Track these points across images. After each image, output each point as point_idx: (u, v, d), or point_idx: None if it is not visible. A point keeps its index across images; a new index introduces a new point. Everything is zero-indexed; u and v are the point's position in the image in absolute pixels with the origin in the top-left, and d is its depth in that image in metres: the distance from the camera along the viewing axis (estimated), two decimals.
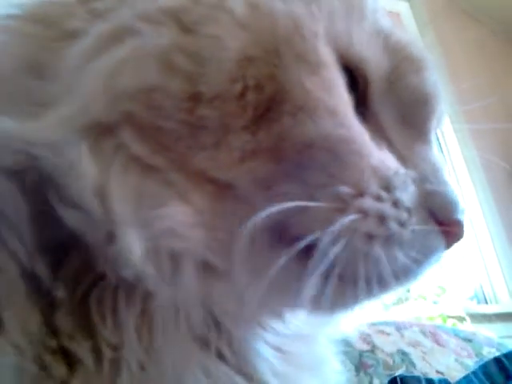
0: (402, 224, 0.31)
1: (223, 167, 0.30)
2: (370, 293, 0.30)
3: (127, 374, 0.29)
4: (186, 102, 0.29)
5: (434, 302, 2.28)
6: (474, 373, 0.69)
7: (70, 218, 0.28)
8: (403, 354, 0.75)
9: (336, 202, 0.30)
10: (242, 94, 0.29)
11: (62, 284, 0.29)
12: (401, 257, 0.31)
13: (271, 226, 0.29)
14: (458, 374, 0.72)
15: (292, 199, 0.29)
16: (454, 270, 2.17)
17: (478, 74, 2.84)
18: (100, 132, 0.28)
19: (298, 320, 0.39)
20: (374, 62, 0.34)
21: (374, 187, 0.31)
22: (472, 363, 0.76)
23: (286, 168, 0.30)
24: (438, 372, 0.73)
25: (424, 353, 0.77)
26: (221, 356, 0.33)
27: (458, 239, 0.34)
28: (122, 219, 0.28)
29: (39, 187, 0.28)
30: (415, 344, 0.79)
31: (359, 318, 0.47)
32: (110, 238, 0.28)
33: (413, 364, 0.73)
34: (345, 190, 0.30)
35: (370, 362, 0.72)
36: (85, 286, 0.30)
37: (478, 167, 2.65)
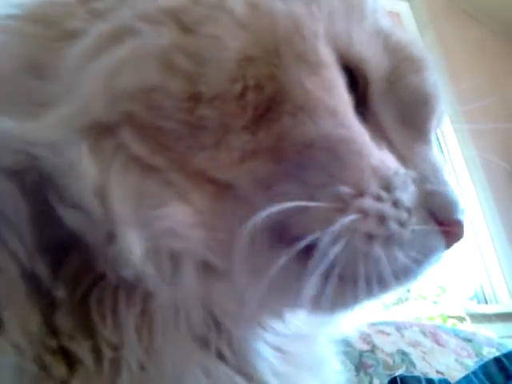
0: (402, 224, 0.31)
1: (223, 167, 0.29)
2: (370, 293, 0.30)
3: (127, 374, 0.29)
4: (186, 101, 0.29)
5: (434, 302, 2.28)
6: (473, 373, 0.69)
7: (70, 218, 0.28)
8: (403, 354, 0.75)
9: (336, 202, 0.30)
10: (242, 94, 0.29)
11: (62, 284, 0.29)
12: (401, 257, 0.31)
13: (271, 226, 0.29)
14: (457, 374, 0.72)
15: (292, 199, 0.29)
16: (453, 270, 2.17)
17: (477, 74, 2.84)
18: (100, 132, 0.28)
19: (298, 320, 0.39)
20: (374, 62, 0.34)
21: (374, 187, 0.31)
22: (472, 363, 0.76)
23: (286, 168, 0.30)
24: (437, 372, 0.73)
25: (424, 353, 0.77)
26: (221, 356, 0.33)
27: (458, 239, 0.34)
28: (122, 219, 0.28)
29: (39, 187, 0.28)
30: (415, 344, 0.79)
31: (359, 318, 0.47)
32: (110, 238, 0.28)
33: (413, 364, 0.73)
34: (345, 189, 0.30)
35: (369, 362, 0.72)
36: (85, 285, 0.30)
37: (477, 167, 2.65)
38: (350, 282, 0.30)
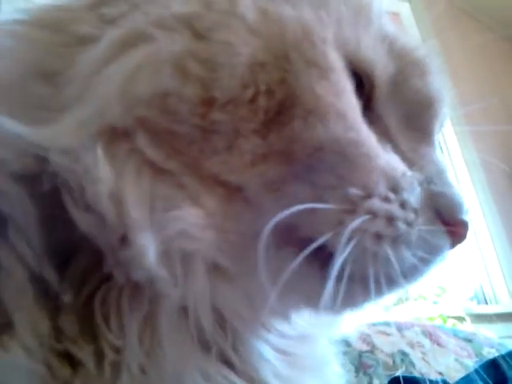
0: (409, 224, 0.32)
1: (235, 170, 0.30)
2: (379, 291, 0.31)
3: (127, 377, 0.29)
4: (200, 106, 0.29)
5: (434, 303, 2.28)
6: (473, 373, 0.70)
7: (83, 221, 0.28)
8: (403, 354, 0.75)
9: (345, 204, 0.30)
10: (254, 99, 0.30)
11: (68, 285, 0.30)
12: (408, 256, 0.31)
13: (280, 228, 0.30)
14: (457, 374, 0.72)
15: (301, 201, 0.29)
16: (454, 271, 2.17)
17: (478, 75, 2.83)
18: (113, 137, 0.29)
19: (302, 320, 0.39)
20: (380, 66, 0.35)
21: (382, 189, 0.31)
22: (472, 363, 0.76)
23: (296, 171, 0.30)
24: (437, 372, 0.73)
25: (424, 353, 0.77)
26: (224, 359, 0.33)
27: (463, 239, 0.35)
28: (137, 223, 0.28)
29: (49, 191, 0.28)
30: (415, 344, 0.79)
31: (359, 319, 0.47)
32: (124, 241, 0.28)
33: (412, 364, 0.73)
34: (354, 191, 0.30)
35: (369, 362, 0.72)
36: (90, 286, 0.30)
37: (478, 169, 2.65)
38: (359, 281, 0.31)
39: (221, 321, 0.33)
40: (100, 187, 0.27)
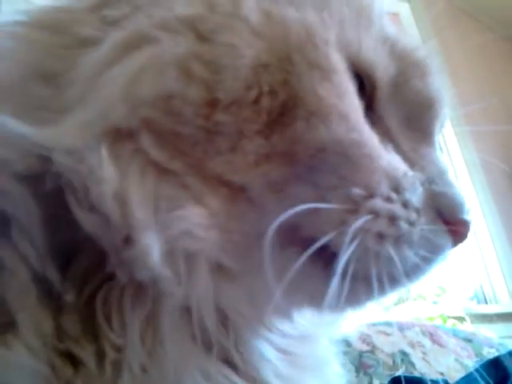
0: (411, 224, 0.32)
1: (238, 171, 0.30)
2: (382, 290, 0.31)
3: (128, 376, 0.29)
4: (204, 108, 0.29)
5: (434, 303, 2.28)
6: (473, 373, 0.70)
7: (87, 221, 0.28)
8: (403, 354, 0.75)
9: (348, 204, 0.31)
10: (257, 100, 0.30)
11: (71, 284, 0.30)
12: (411, 255, 0.32)
13: (283, 228, 0.30)
14: (457, 374, 0.72)
15: (303, 201, 0.30)
16: (454, 271, 2.17)
17: (478, 75, 2.83)
18: (117, 137, 0.29)
19: (303, 320, 0.39)
20: (381, 68, 0.35)
21: (384, 189, 0.32)
22: (472, 363, 0.77)
23: (299, 171, 0.31)
24: (438, 372, 0.73)
25: (424, 353, 0.77)
26: (225, 359, 0.33)
27: (464, 238, 0.35)
28: (141, 223, 0.28)
29: (52, 191, 0.28)
30: (415, 344, 0.79)
31: (360, 319, 0.48)
32: (127, 241, 0.28)
33: (412, 364, 0.74)
34: (356, 191, 0.31)
35: (369, 362, 0.72)
36: (92, 286, 0.30)
37: (478, 169, 2.65)
38: (362, 280, 0.31)
39: (223, 320, 0.33)
40: (104, 187, 0.27)
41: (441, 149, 0.40)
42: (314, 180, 0.31)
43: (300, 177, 0.31)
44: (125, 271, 0.29)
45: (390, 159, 0.33)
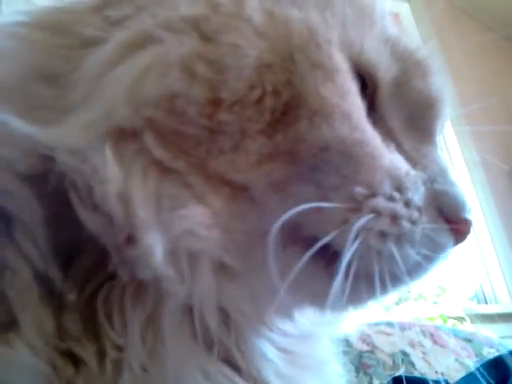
0: (413, 223, 0.32)
1: (241, 170, 0.30)
2: (384, 289, 0.31)
3: (129, 376, 0.29)
4: (207, 107, 0.29)
5: (434, 303, 2.28)
6: (474, 372, 0.70)
7: (90, 221, 0.28)
8: (403, 354, 0.75)
9: (350, 203, 0.31)
10: (260, 100, 0.30)
11: (72, 283, 0.30)
12: (412, 254, 0.32)
13: (286, 227, 0.30)
14: (457, 374, 0.72)
15: (305, 201, 0.30)
16: (454, 271, 2.17)
17: (478, 75, 2.83)
18: (120, 137, 0.29)
19: (304, 319, 0.39)
20: (383, 67, 0.35)
21: (386, 188, 0.32)
22: (472, 363, 0.76)
23: (301, 170, 0.31)
24: (438, 373, 0.73)
25: (424, 353, 0.77)
26: (226, 358, 0.34)
27: (466, 237, 0.35)
28: (144, 223, 0.28)
29: (55, 191, 0.28)
30: (415, 344, 0.79)
31: (360, 319, 0.48)
32: (130, 240, 0.28)
33: (412, 364, 0.73)
34: (359, 190, 0.31)
35: (369, 362, 0.72)
36: (94, 285, 0.30)
37: (478, 168, 2.65)
38: (364, 278, 0.31)
39: (225, 319, 0.33)
40: (108, 187, 0.28)
41: (441, 148, 0.40)
42: (316, 179, 0.31)
43: (302, 176, 0.31)
44: (126, 270, 0.29)
45: (392, 158, 0.33)
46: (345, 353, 0.50)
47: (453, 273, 2.22)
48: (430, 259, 0.33)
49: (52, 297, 0.29)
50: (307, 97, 0.30)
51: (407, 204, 0.32)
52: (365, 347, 0.75)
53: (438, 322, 2.06)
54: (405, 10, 2.94)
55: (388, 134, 0.35)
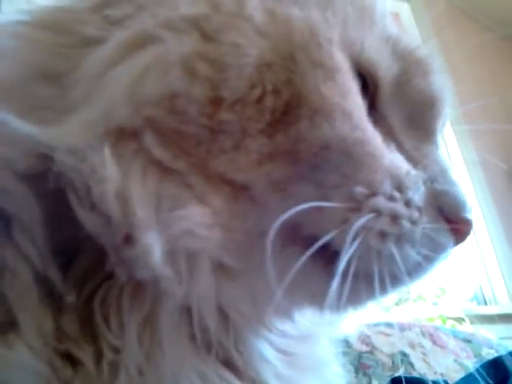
0: (413, 222, 0.32)
1: (241, 169, 0.30)
2: (383, 289, 0.31)
3: (125, 378, 0.29)
4: (208, 106, 0.29)
5: (434, 303, 2.29)
6: (473, 373, 0.70)
7: (88, 220, 0.28)
8: (403, 354, 0.75)
9: (350, 202, 0.31)
10: (261, 99, 0.30)
11: (71, 284, 0.30)
12: (413, 254, 0.32)
13: (285, 227, 0.30)
14: (457, 374, 0.72)
15: (306, 200, 0.30)
16: (453, 272, 2.17)
17: (477, 75, 2.84)
18: (120, 137, 0.29)
19: (304, 319, 0.39)
20: (384, 67, 0.35)
21: (387, 187, 0.32)
22: (471, 364, 0.77)
23: (302, 170, 0.31)
24: (437, 373, 0.73)
25: (423, 354, 0.77)
26: (224, 360, 0.33)
27: (466, 237, 0.35)
28: (143, 223, 0.28)
29: (53, 190, 0.28)
30: (414, 345, 0.79)
31: (359, 319, 0.48)
32: (128, 240, 0.28)
33: (412, 365, 0.73)
34: (359, 190, 0.31)
35: (369, 362, 0.72)
36: (92, 285, 0.30)
37: (477, 168, 2.66)
38: (364, 278, 0.31)
39: (223, 320, 0.33)
40: (106, 187, 0.27)
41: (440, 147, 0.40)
42: (316, 179, 0.31)
43: (303, 176, 0.31)
44: (124, 270, 0.29)
45: (392, 158, 0.33)
46: (344, 353, 0.49)
47: (452, 274, 2.22)
48: (430, 259, 0.33)
49: (51, 298, 0.29)
50: (308, 96, 0.30)
51: (407, 204, 0.32)
52: (364, 348, 0.75)
53: (438, 323, 2.06)
54: (405, 9, 2.94)
55: (388, 134, 0.35)
